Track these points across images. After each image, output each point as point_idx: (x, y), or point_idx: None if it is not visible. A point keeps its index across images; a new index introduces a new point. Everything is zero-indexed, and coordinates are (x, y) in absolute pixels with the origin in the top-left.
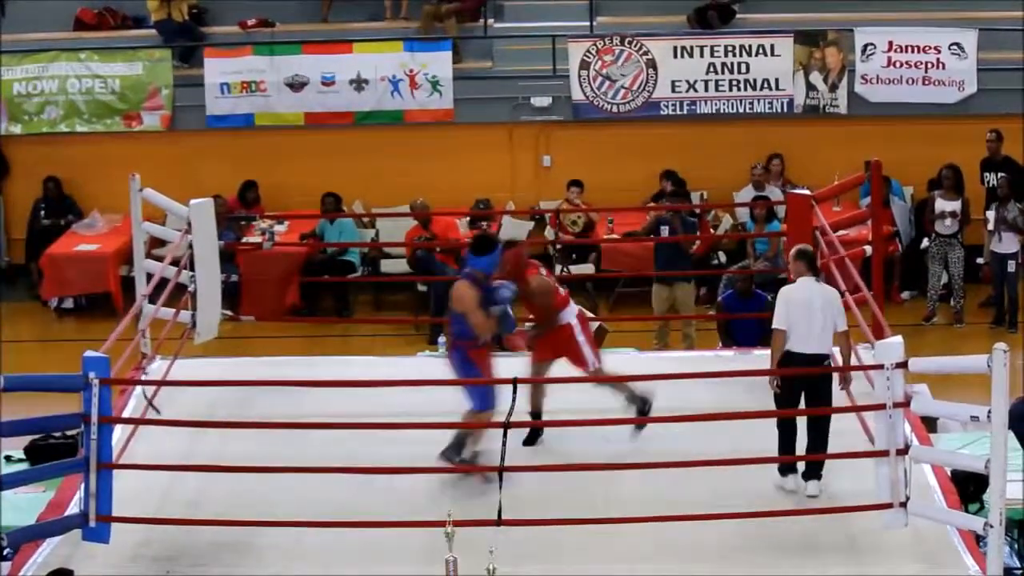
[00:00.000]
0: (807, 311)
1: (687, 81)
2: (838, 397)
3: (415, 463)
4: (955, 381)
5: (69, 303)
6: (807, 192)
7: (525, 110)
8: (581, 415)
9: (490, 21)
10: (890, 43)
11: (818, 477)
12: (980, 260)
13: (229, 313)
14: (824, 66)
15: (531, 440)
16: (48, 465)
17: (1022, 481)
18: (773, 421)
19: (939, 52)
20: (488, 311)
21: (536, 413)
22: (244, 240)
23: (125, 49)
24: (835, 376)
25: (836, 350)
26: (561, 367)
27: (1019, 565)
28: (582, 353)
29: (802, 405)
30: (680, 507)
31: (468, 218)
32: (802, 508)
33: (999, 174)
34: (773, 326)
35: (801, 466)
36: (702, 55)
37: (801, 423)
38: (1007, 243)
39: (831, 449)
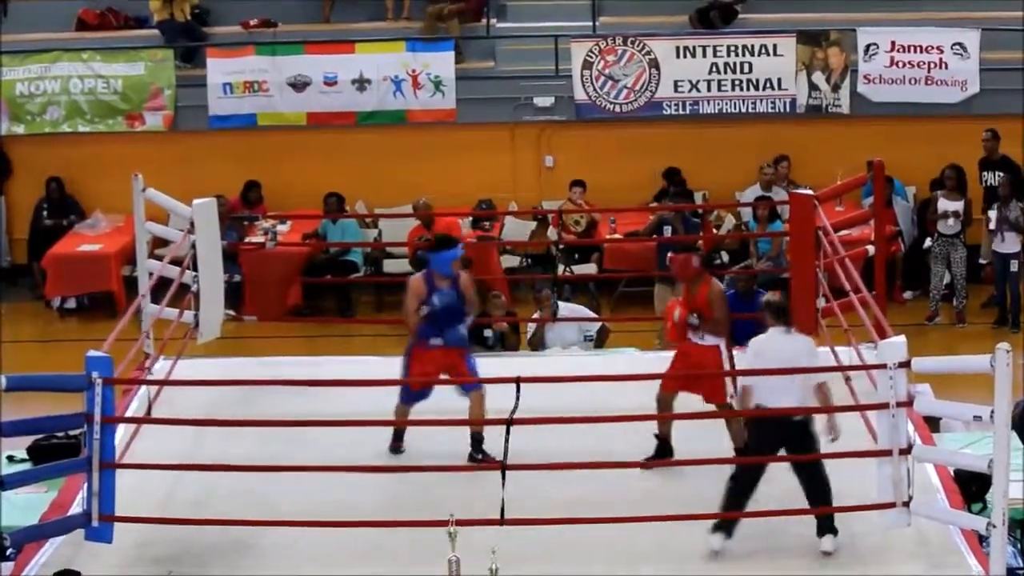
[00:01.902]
0: (776, 365)
1: (689, 81)
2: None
3: (418, 462)
4: (958, 381)
5: (71, 303)
6: (810, 192)
7: (527, 110)
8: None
9: (492, 21)
10: (893, 43)
11: (833, 532)
12: (983, 260)
13: (232, 313)
14: (827, 66)
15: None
16: (51, 465)
17: None
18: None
19: (942, 52)
20: (420, 308)
21: (663, 438)
22: (247, 240)
23: (127, 49)
24: (819, 430)
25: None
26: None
27: (1022, 565)
28: (722, 382)
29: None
30: (682, 507)
31: (470, 218)
32: (804, 508)
33: (997, 173)
34: (740, 382)
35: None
36: (704, 55)
37: (775, 483)
38: (1009, 243)
39: (831, 448)
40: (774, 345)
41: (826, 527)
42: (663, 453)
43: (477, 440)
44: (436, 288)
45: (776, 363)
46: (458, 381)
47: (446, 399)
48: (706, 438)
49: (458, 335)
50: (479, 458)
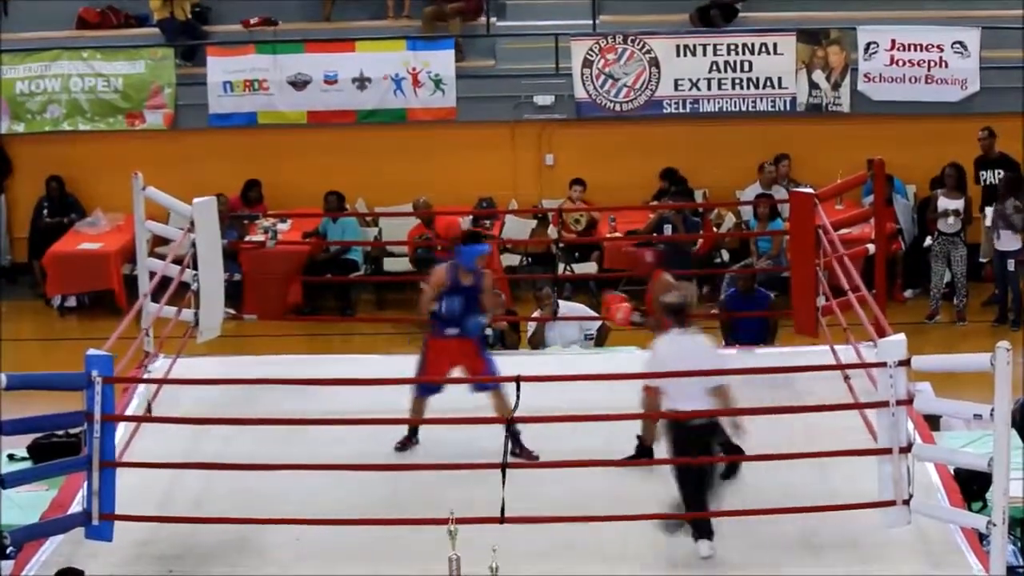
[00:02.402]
0: (678, 367)
1: (690, 79)
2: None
3: (418, 461)
4: (958, 379)
5: (72, 302)
6: (810, 190)
7: (528, 109)
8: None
9: (493, 20)
10: (893, 41)
11: (709, 536)
12: (983, 259)
13: (232, 312)
14: (827, 64)
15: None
16: (51, 463)
17: None
18: (774, 419)
19: (942, 50)
20: (440, 298)
21: (646, 443)
22: (247, 239)
23: (128, 48)
24: (728, 427)
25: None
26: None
27: (1022, 563)
28: None
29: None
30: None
31: (471, 217)
32: (804, 506)
33: (995, 172)
34: (644, 384)
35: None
36: (705, 54)
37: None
38: (1008, 241)
39: (831, 447)
40: (674, 347)
41: (703, 532)
42: (642, 455)
43: (514, 435)
44: (458, 282)
45: (676, 364)
46: (465, 380)
47: (447, 397)
48: None
49: (474, 327)
50: (517, 452)
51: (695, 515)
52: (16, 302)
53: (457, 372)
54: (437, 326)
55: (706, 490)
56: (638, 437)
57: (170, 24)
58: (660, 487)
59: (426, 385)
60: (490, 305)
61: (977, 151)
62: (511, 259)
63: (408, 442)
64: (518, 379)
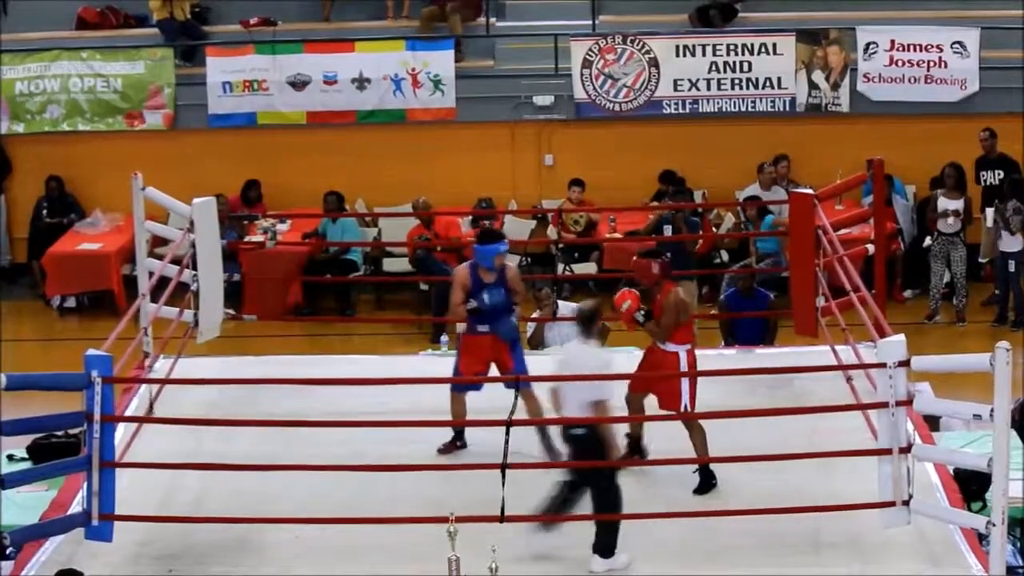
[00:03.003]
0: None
1: (689, 80)
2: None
3: (417, 461)
4: (957, 380)
5: (71, 302)
6: (809, 191)
7: (527, 109)
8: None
9: (492, 20)
10: (892, 42)
11: (603, 553)
12: (982, 259)
13: (231, 312)
14: (826, 65)
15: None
16: (51, 464)
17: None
18: (774, 419)
19: (941, 51)
20: (469, 299)
21: (636, 437)
22: (246, 239)
23: (127, 48)
24: (609, 441)
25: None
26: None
27: (1022, 564)
28: (677, 390)
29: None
30: (681, 505)
31: (470, 217)
32: (804, 506)
33: (996, 172)
34: (549, 386)
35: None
36: (704, 54)
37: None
38: (1009, 242)
39: (831, 447)
40: (570, 354)
41: (606, 550)
42: (634, 453)
43: (545, 435)
44: (481, 281)
45: (567, 372)
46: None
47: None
48: (707, 436)
49: (507, 327)
50: (553, 447)
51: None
52: (16, 302)
53: (492, 370)
54: (469, 323)
55: (609, 504)
56: (627, 435)
57: (169, 24)
58: (659, 486)
59: (463, 383)
60: (521, 297)
61: (977, 151)
62: (510, 259)
63: (452, 446)
64: (517, 379)
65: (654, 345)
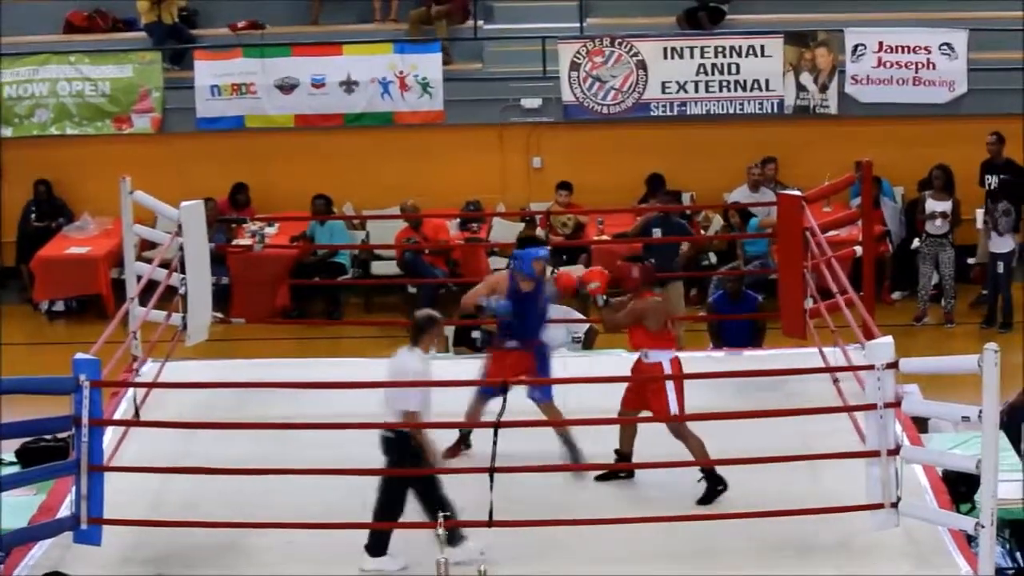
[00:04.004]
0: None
1: (677, 82)
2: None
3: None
4: (946, 381)
5: (60, 306)
6: (798, 193)
7: (515, 111)
8: (569, 415)
9: (480, 23)
10: (880, 43)
11: (375, 554)
12: (971, 260)
13: (220, 315)
14: (814, 67)
15: (607, 477)
16: (39, 468)
17: (1020, 482)
18: (762, 421)
19: (929, 52)
20: (492, 299)
21: (625, 454)
22: (234, 242)
23: (115, 52)
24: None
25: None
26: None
27: (1011, 565)
28: (664, 401)
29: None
30: (670, 508)
31: (458, 219)
32: (792, 509)
33: (1000, 176)
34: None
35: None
36: (692, 56)
37: None
38: (998, 243)
39: (820, 450)
40: (393, 361)
41: (374, 548)
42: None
43: (569, 444)
44: (518, 290)
45: (388, 378)
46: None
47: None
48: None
49: (530, 338)
50: (576, 449)
51: (709, 516)
52: (4, 306)
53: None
54: (498, 337)
55: (395, 506)
56: (616, 452)
57: (157, 28)
58: (646, 489)
59: (487, 389)
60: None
61: (967, 152)
62: (499, 262)
63: (457, 449)
64: (504, 382)
65: (639, 359)
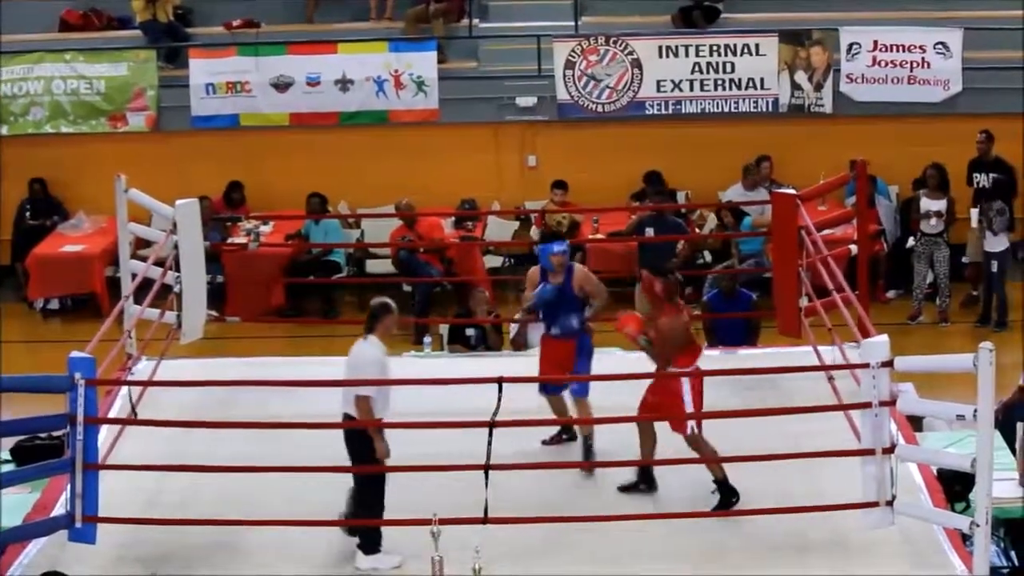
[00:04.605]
0: (345, 371)
1: (672, 81)
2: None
3: (401, 463)
4: (941, 380)
5: (54, 304)
6: (792, 191)
7: (510, 110)
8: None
9: (475, 21)
10: (875, 42)
11: (367, 551)
12: (965, 259)
13: (214, 314)
14: (809, 65)
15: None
16: (34, 466)
17: (1014, 480)
18: (757, 420)
19: (924, 51)
20: (533, 295)
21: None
22: (229, 241)
23: (110, 50)
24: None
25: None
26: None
27: (1005, 564)
28: (681, 414)
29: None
30: (666, 506)
31: (453, 218)
32: (788, 507)
33: (989, 175)
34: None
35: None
36: (687, 55)
37: None
38: (992, 242)
39: (815, 448)
40: (352, 351)
41: (367, 546)
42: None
43: (587, 447)
44: (547, 281)
45: (347, 368)
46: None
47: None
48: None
49: (569, 327)
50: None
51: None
52: None
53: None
54: (544, 325)
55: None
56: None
57: (152, 26)
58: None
59: (546, 384)
60: (598, 296)
61: (962, 151)
62: (494, 260)
63: (559, 438)
64: (500, 380)
65: (659, 369)
